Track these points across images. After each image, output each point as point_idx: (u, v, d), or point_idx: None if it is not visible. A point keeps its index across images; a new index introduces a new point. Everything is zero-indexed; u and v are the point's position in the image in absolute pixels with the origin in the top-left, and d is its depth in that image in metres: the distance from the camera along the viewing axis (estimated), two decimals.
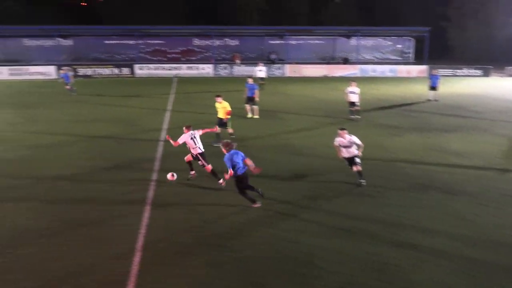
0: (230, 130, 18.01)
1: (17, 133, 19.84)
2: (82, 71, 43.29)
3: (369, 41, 53.06)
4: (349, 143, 13.20)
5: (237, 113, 22.73)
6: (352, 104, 22.51)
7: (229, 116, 17.78)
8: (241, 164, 11.20)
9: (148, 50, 50.13)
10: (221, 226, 10.51)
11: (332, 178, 13.80)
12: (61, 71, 32.53)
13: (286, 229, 10.32)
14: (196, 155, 13.23)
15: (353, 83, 22.77)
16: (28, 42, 48.43)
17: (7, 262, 8.95)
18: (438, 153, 16.87)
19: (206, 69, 45.11)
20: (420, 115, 24.62)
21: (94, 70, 43.72)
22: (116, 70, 43.96)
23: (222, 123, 17.71)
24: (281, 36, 51.01)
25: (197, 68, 45.25)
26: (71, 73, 32.70)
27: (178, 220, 10.79)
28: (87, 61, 48.07)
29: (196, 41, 50.86)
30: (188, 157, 13.51)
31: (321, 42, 52.68)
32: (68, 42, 48.95)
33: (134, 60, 47.84)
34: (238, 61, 47.78)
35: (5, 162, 15.50)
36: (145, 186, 12.96)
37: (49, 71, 42.98)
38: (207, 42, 50.53)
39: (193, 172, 13.64)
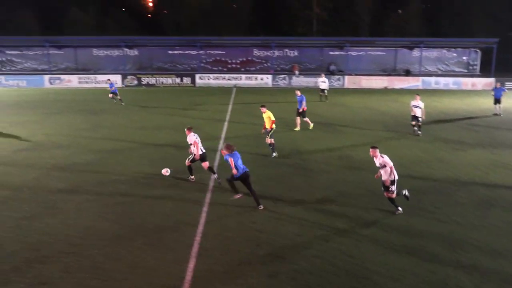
0: (268, 141, 17.58)
1: (84, 138, 20.81)
2: (145, 80, 44.85)
3: (433, 53, 51.49)
4: (379, 165, 11.73)
5: (292, 125, 22.77)
6: (415, 118, 21.65)
7: (274, 126, 17.54)
8: (240, 165, 11.87)
9: (209, 60, 51.20)
10: (276, 236, 10.52)
11: None
12: (108, 81, 33.28)
13: (342, 243, 10.18)
14: (200, 155, 14.11)
15: (418, 97, 21.81)
16: (96, 52, 50.75)
17: (73, 262, 9.39)
18: (504, 170, 16.07)
19: (265, 80, 45.46)
20: (485, 129, 23.58)
21: (157, 79, 45.16)
22: (178, 80, 45.22)
23: (267, 133, 17.65)
24: (341, 47, 50.59)
25: (256, 78, 45.69)
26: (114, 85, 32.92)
27: (233, 229, 10.91)
28: (151, 70, 49.75)
29: (256, 52, 51.38)
30: (188, 163, 14.28)
31: (382, 53, 51.73)
32: (133, 52, 50.88)
33: (195, 70, 49.03)
34: (297, 72, 47.81)
35: (72, 166, 16.29)
36: (202, 194, 13.22)
37: (115, 80, 44.77)
38: (267, 53, 50.93)
39: (193, 176, 14.45)
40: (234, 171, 11.70)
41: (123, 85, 44.11)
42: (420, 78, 45.06)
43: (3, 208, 12.27)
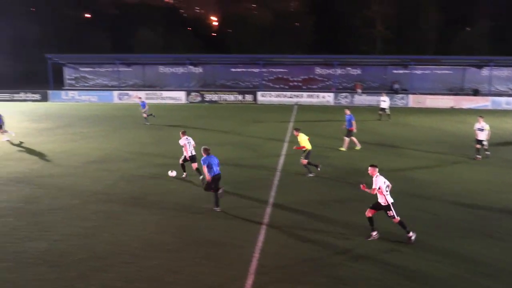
0: (303, 161, 17.18)
1: (147, 152, 21.53)
2: (209, 96, 45.88)
3: (503, 72, 49.22)
4: (377, 186, 11.12)
5: (353, 145, 22.40)
6: (479, 142, 20.47)
7: (308, 147, 17.10)
8: (216, 167, 13.34)
9: (270, 78, 51.66)
10: (334, 254, 10.34)
11: (455, 216, 12.90)
12: (139, 99, 32.78)
13: (400, 266, 9.84)
14: (190, 157, 16.46)
15: (481, 119, 20.57)
16: (163, 69, 52.64)
17: (134, 272, 9.67)
18: None
19: (327, 98, 45.20)
20: None
21: (220, 96, 46.08)
22: (240, 97, 45.92)
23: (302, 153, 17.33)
24: (405, 66, 49.49)
25: (318, 96, 45.54)
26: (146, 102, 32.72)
27: (292, 246, 10.85)
28: (214, 87, 50.87)
29: (318, 70, 51.27)
30: (181, 161, 16.84)
31: (449, 72, 50.03)
32: (198, 70, 52.30)
33: (257, 87, 49.60)
34: (359, 90, 47.21)
35: (137, 179, 16.85)
36: (261, 211, 13.24)
37: (179, 96, 46.23)
38: (329, 71, 50.68)
39: (185, 174, 16.83)
40: (208, 177, 13.18)
41: (187, 101, 45.35)
42: (490, 98, 43.13)
43: (72, 217, 12.88)
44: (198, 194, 14.86)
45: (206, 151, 13.59)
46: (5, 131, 24.48)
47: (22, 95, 47.30)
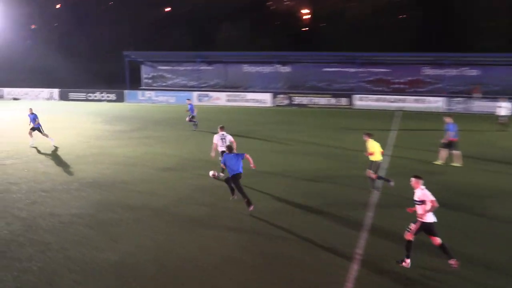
0: (371, 174, 16.76)
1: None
2: (297, 99, 45.93)
3: None
4: (418, 198, 10.78)
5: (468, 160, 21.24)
6: None
7: (378, 158, 16.71)
8: (235, 167, 14.47)
9: (369, 79, 50.65)
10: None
11: None
12: (187, 101, 32.79)
13: None
14: (220, 152, 17.78)
15: None
16: (247, 68, 53.52)
17: None
18: None
19: (437, 103, 43.49)
20: None
21: (310, 99, 45.96)
22: (333, 100, 45.50)
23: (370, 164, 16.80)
24: None
25: (425, 101, 43.96)
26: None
27: (392, 260, 10.66)
28: (304, 89, 50.81)
29: (426, 70, 49.51)
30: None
31: None
32: (286, 69, 52.57)
33: (353, 90, 48.84)
34: (478, 95, 44.89)
35: (212, 189, 17.04)
36: (355, 233, 12.82)
37: (264, 99, 46.70)
38: (439, 72, 48.75)
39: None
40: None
41: (273, 105, 45.68)
42: None
43: (144, 228, 13.30)
44: (275, 209, 14.76)
45: (229, 148, 15.15)
46: (46, 135, 25.27)
47: (97, 95, 50.35)
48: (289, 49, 64.19)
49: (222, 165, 15.43)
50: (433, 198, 10.58)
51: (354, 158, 22.24)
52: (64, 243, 12.21)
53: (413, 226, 10.74)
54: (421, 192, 10.76)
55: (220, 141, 18.06)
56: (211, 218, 14.12)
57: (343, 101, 45.22)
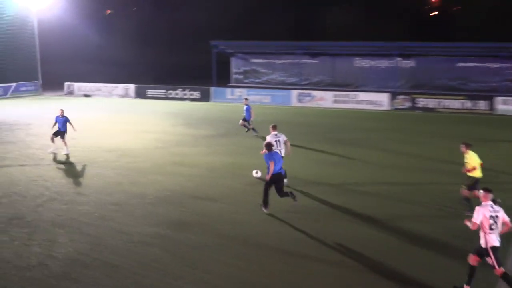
0: (463, 192, 16.61)
1: (330, 174, 21.66)
2: (422, 101, 44.56)
3: None
4: (492, 219, 10.68)
5: None
6: None
7: (477, 175, 16.58)
8: (278, 166, 16.29)
9: None
10: None
11: None
12: (244, 101, 32.29)
13: None
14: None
15: None
16: (359, 62, 52.74)
17: None
18: None
19: None
20: None
21: (439, 101, 44.40)
22: (468, 103, 43.60)
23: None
24: None
25: None
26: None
27: None
28: (430, 89, 49.12)
29: None
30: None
31: None
32: (408, 63, 51.22)
33: (496, 91, 46.60)
34: None
35: (305, 212, 16.89)
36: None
37: (380, 100, 45.74)
38: None
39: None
40: (271, 170, 16.08)
41: (391, 107, 44.72)
42: None
43: (227, 255, 13.40)
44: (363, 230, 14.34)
45: (268, 146, 17.03)
46: (65, 143, 25.42)
47: (178, 93, 51.81)
48: (413, 38, 62.57)
49: (269, 167, 16.27)
50: (475, 220, 10.78)
51: (495, 178, 21.04)
52: (133, 266, 12.54)
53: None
54: (496, 208, 10.90)
55: (275, 142, 18.87)
56: (302, 247, 13.97)
57: (482, 104, 43.28)
